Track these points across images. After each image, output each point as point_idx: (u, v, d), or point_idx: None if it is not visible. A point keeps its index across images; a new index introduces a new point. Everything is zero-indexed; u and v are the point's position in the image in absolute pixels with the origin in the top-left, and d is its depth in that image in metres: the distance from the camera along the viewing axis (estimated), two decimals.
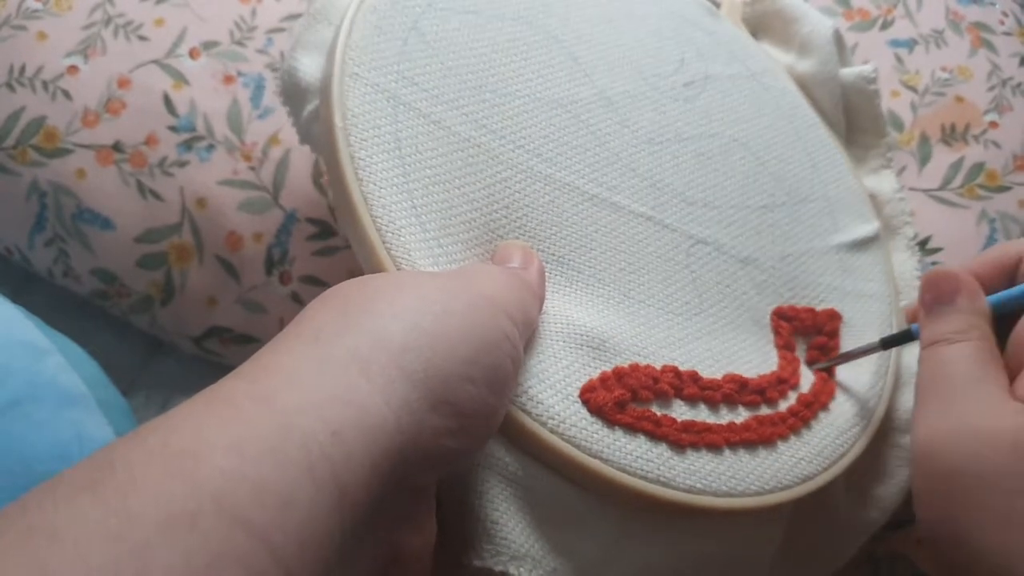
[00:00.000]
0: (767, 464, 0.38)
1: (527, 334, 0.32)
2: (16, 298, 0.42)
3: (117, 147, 0.48)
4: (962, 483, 0.30)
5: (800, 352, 0.44)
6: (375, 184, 0.35)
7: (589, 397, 0.35)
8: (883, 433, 0.45)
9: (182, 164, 0.48)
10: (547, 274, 0.38)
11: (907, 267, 0.50)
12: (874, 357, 0.43)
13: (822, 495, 0.41)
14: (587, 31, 0.46)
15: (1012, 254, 0.35)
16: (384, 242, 0.35)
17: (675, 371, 0.38)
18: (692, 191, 0.45)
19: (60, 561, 0.18)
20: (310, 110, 0.40)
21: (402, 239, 0.35)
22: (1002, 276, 0.35)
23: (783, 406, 0.41)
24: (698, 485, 0.36)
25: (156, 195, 0.48)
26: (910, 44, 0.56)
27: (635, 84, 0.46)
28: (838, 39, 0.53)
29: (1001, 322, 0.34)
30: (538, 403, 0.34)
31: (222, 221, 0.48)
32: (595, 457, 0.34)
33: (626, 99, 0.45)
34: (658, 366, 0.38)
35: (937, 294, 0.35)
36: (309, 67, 0.41)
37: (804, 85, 0.53)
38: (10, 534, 0.19)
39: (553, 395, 0.35)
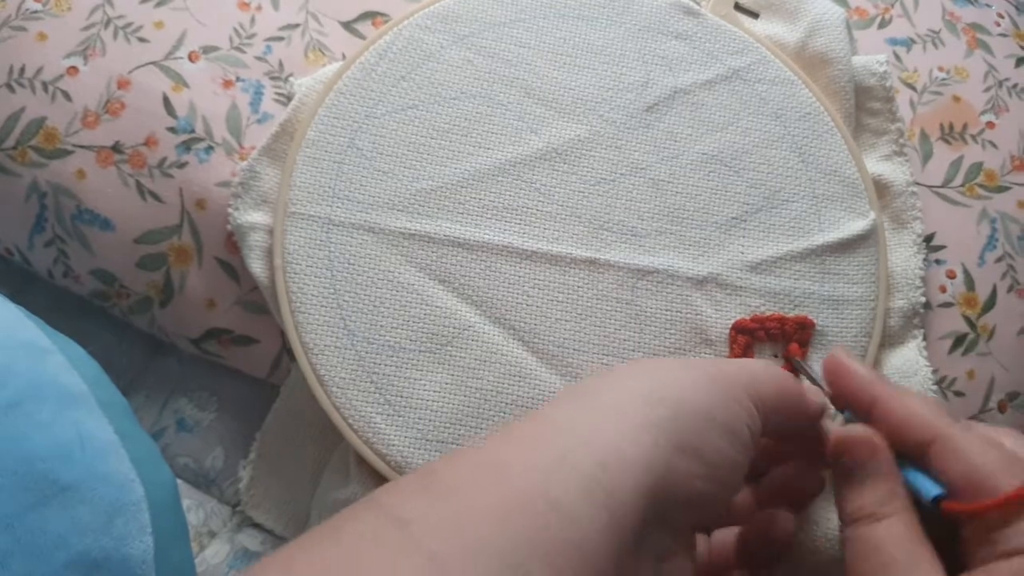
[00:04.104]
0: None
1: (772, 414, 0.33)
2: (16, 299, 0.41)
3: (117, 148, 0.48)
4: None
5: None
6: (305, 315, 0.44)
7: None
8: None
9: (181, 165, 0.48)
10: (485, 336, 0.44)
11: (911, 264, 0.49)
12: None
13: None
14: (536, 84, 0.49)
15: (928, 435, 0.32)
16: (312, 366, 0.44)
17: None
18: (643, 223, 0.47)
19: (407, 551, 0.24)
20: (262, 223, 0.46)
21: (327, 358, 0.43)
22: (912, 449, 0.32)
23: None
24: None
25: (156, 196, 0.48)
26: (908, 43, 0.56)
27: (588, 125, 0.48)
28: (847, 27, 0.53)
29: None
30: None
31: (221, 222, 0.48)
32: None
33: (575, 145, 0.48)
34: None
35: (852, 459, 0.32)
36: (267, 179, 0.47)
37: (813, 65, 0.52)
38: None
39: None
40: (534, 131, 0.47)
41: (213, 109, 0.49)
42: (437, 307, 0.44)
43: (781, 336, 0.45)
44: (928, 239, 0.51)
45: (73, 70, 0.48)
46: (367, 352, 0.44)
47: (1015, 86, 0.57)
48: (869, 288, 0.47)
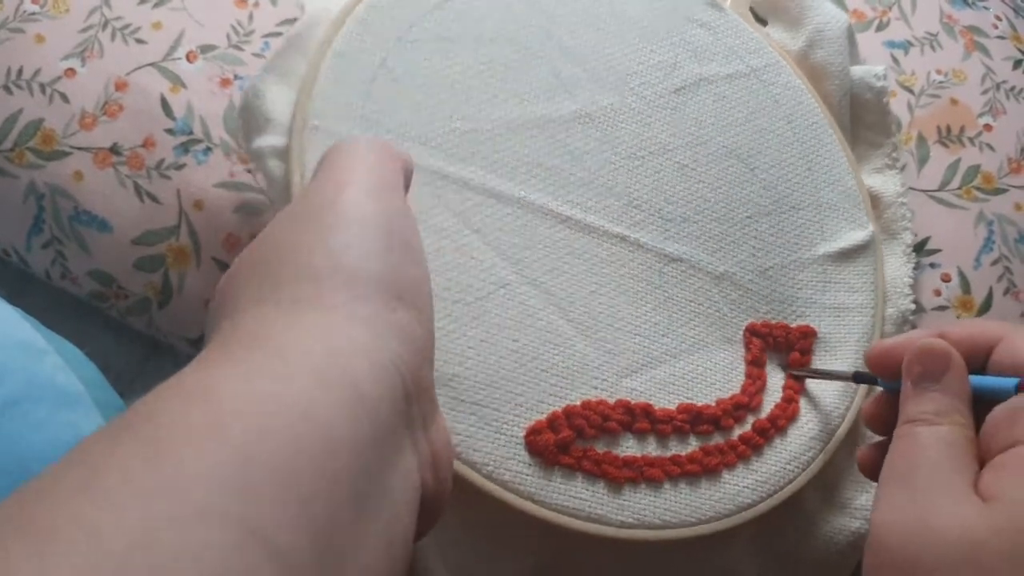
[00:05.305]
0: (707, 495, 0.39)
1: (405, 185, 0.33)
2: (13, 300, 0.41)
3: (114, 149, 0.48)
4: (907, 570, 0.29)
5: (771, 368, 0.44)
6: None
7: (533, 440, 0.37)
8: (856, 442, 0.45)
9: (179, 166, 0.48)
10: (521, 296, 0.40)
11: (900, 273, 0.50)
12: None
13: (795, 510, 0.42)
14: (571, 43, 0.46)
15: (989, 336, 0.34)
16: None
17: (627, 406, 0.39)
18: (671, 207, 0.45)
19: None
20: (269, 144, 0.40)
21: None
22: (974, 355, 0.34)
23: (736, 432, 0.41)
24: (631, 520, 0.38)
25: (153, 197, 0.48)
26: (905, 46, 0.56)
27: (620, 96, 0.46)
28: (850, 34, 0.52)
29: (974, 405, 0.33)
30: (475, 450, 0.36)
31: (219, 223, 0.48)
32: (526, 498, 0.36)
33: (608, 114, 0.45)
34: (612, 400, 0.39)
35: (926, 369, 0.34)
36: (274, 97, 0.41)
37: (813, 76, 0.52)
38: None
39: (495, 439, 0.37)
40: (568, 91, 0.45)
41: (211, 109, 0.49)
42: (472, 258, 0.40)
43: (785, 345, 0.44)
44: (923, 243, 0.51)
45: (71, 72, 0.48)
46: None
47: (1013, 88, 0.57)
48: (869, 296, 0.47)
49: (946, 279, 0.51)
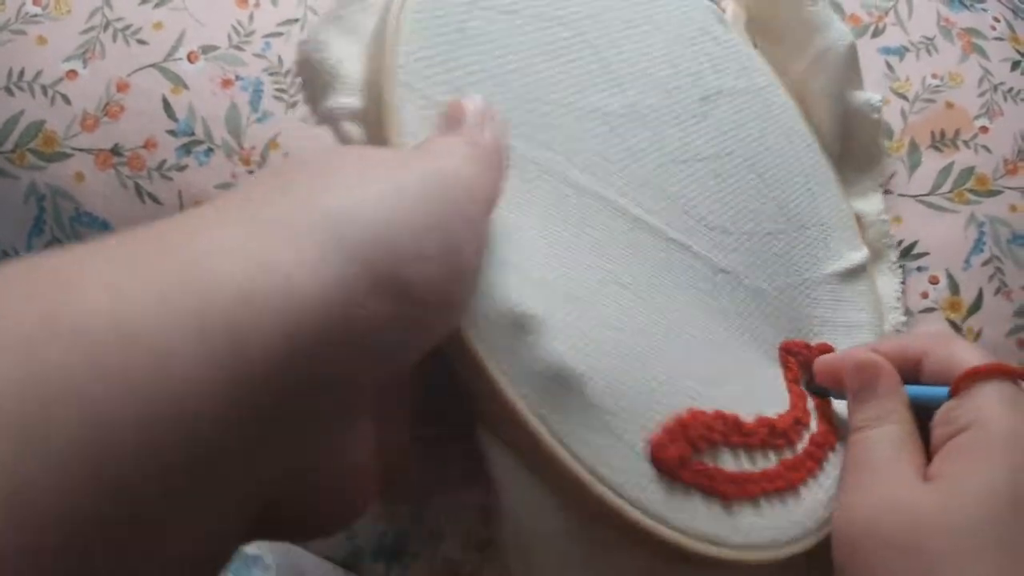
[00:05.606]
0: (796, 512, 0.38)
1: (489, 214, 0.29)
2: None
3: (116, 151, 0.48)
4: (867, 550, 0.34)
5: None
6: None
7: (660, 454, 0.34)
8: None
9: (180, 168, 0.48)
10: (617, 294, 0.36)
11: (889, 288, 0.50)
12: None
13: None
14: (618, 36, 0.43)
15: (915, 349, 0.39)
16: None
17: (723, 418, 0.37)
18: (713, 215, 0.43)
19: None
20: (343, 105, 0.36)
21: None
22: (905, 367, 0.39)
23: (800, 447, 0.40)
24: (741, 541, 0.35)
25: (154, 198, 0.48)
26: (901, 52, 0.56)
27: (660, 98, 0.44)
28: (853, 55, 0.51)
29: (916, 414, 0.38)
30: (605, 464, 0.33)
31: None
32: (657, 520, 0.34)
33: (654, 113, 0.43)
34: (709, 410, 0.37)
35: (862, 382, 0.38)
36: (340, 52, 0.37)
37: (805, 100, 0.51)
38: None
39: (621, 451, 0.33)
40: (617, 85, 0.42)
41: (212, 110, 0.49)
42: (576, 250, 0.37)
43: (806, 364, 0.43)
44: (910, 247, 0.52)
45: (72, 73, 0.49)
46: None
47: (1010, 90, 0.57)
48: (873, 314, 0.48)
49: (934, 281, 0.51)
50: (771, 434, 0.38)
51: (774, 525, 0.37)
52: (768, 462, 0.38)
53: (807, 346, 0.44)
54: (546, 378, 0.32)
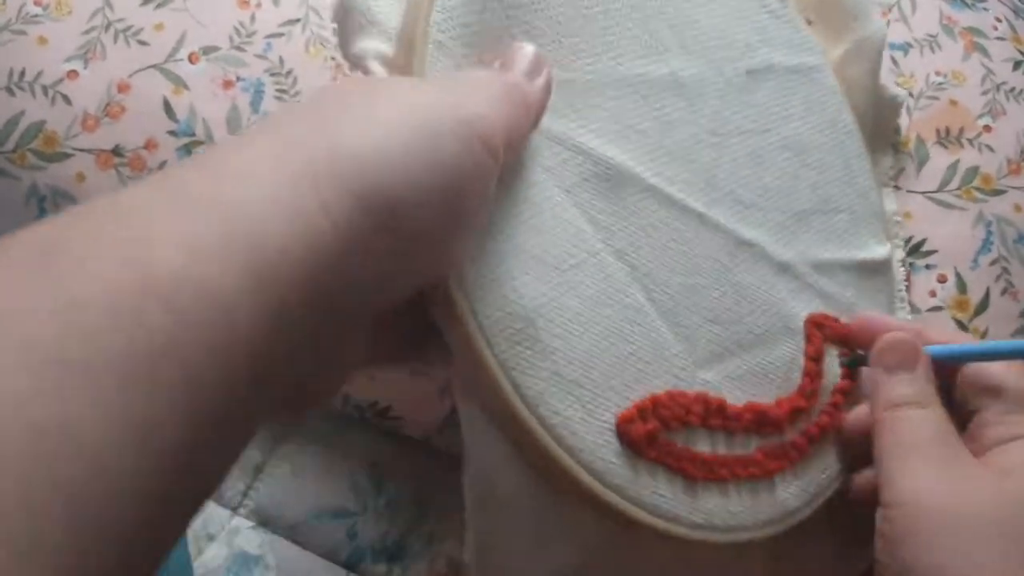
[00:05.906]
0: (763, 499, 0.38)
1: (502, 158, 0.30)
2: None
3: (117, 151, 0.48)
4: (948, 535, 0.32)
5: (828, 362, 0.43)
6: None
7: (626, 429, 0.35)
8: None
9: None
10: (609, 268, 0.37)
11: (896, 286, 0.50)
12: None
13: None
14: (665, 3, 0.43)
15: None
16: None
17: (705, 400, 0.38)
18: (743, 189, 0.43)
19: (5, 338, 0.18)
20: (374, 49, 0.37)
21: None
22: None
23: (789, 435, 0.40)
24: (700, 521, 0.36)
25: None
26: (905, 48, 0.56)
27: (704, 68, 0.43)
28: (884, 47, 0.51)
29: None
30: (573, 433, 0.34)
31: None
32: (613, 490, 0.35)
33: (695, 83, 0.43)
34: (692, 391, 0.38)
35: (901, 359, 0.37)
36: None
37: (846, 87, 0.50)
38: None
39: (589, 423, 0.35)
40: (659, 54, 0.42)
41: (213, 111, 0.49)
42: (564, 219, 0.37)
43: (842, 339, 0.43)
44: (919, 245, 0.51)
45: (73, 73, 0.49)
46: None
47: (1013, 90, 0.57)
48: (886, 312, 0.47)
49: (942, 280, 0.51)
50: (758, 421, 0.39)
51: (738, 510, 0.37)
52: (747, 447, 0.39)
53: (836, 320, 0.43)
54: (517, 342, 0.34)
